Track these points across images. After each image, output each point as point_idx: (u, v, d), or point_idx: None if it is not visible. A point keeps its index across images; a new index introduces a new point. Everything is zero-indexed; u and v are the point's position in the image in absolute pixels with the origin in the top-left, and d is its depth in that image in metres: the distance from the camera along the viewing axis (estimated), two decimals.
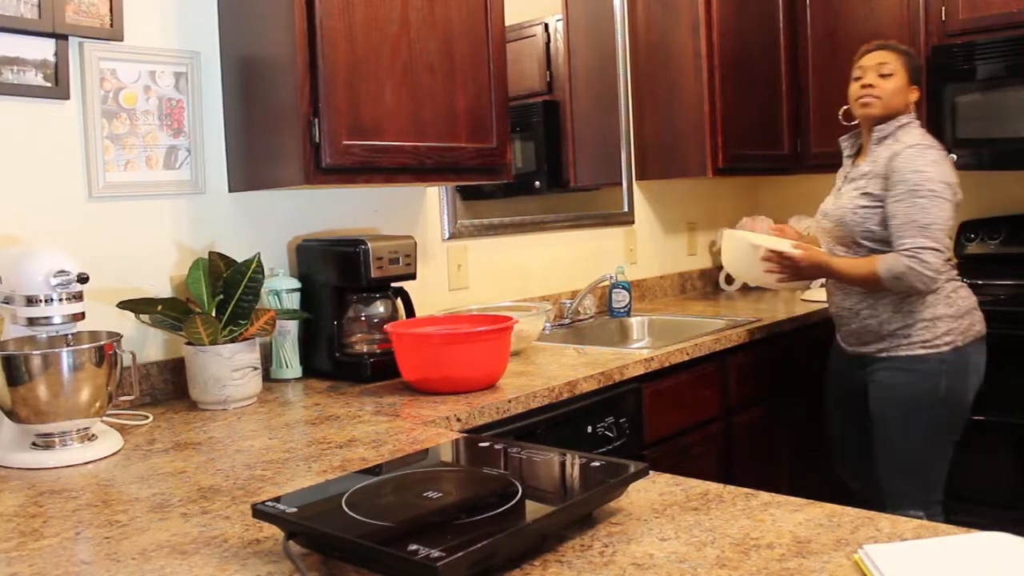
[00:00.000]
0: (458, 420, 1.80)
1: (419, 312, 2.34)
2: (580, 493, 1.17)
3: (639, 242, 3.50)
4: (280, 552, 1.09)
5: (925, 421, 2.32)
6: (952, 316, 2.32)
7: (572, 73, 3.20)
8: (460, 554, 0.92)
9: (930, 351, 2.31)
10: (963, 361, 2.33)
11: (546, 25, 3.14)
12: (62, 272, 1.62)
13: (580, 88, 3.23)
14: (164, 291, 2.11)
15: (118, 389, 1.69)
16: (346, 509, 1.08)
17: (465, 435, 1.62)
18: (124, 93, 2.03)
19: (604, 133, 3.36)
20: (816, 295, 3.18)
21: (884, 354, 2.38)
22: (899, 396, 2.35)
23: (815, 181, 3.62)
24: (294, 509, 1.08)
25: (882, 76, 2.37)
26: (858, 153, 2.50)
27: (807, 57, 3.60)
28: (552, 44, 3.15)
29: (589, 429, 2.15)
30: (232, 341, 1.96)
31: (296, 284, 2.25)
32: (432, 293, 2.68)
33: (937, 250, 2.20)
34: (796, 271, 2.39)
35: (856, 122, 2.50)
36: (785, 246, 2.42)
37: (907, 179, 2.24)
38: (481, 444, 1.39)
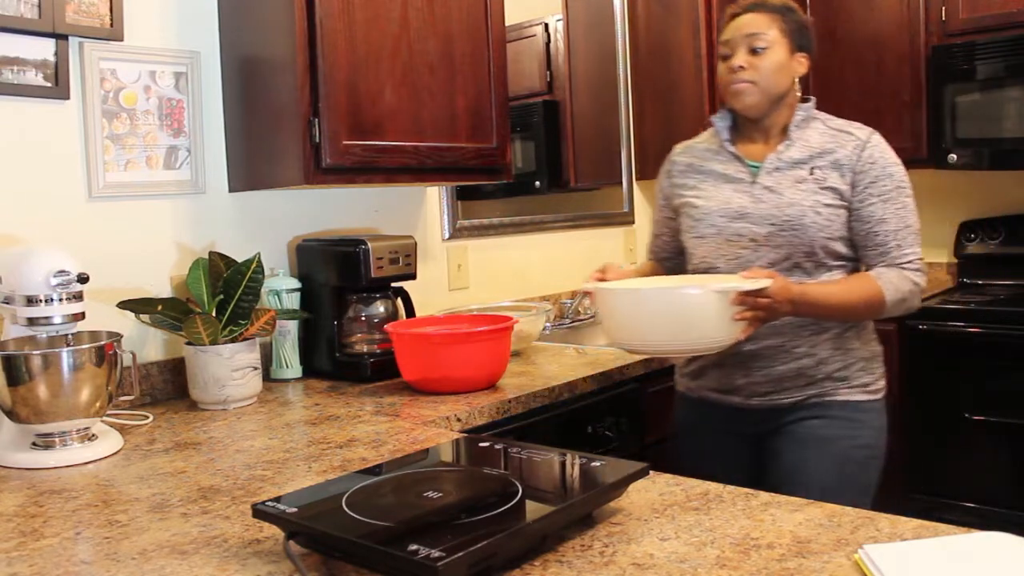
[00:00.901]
0: (458, 420, 1.80)
1: (419, 312, 2.34)
2: (580, 493, 1.17)
3: (639, 242, 3.50)
4: (280, 552, 1.09)
5: (864, 485, 1.80)
6: (881, 355, 1.89)
7: (572, 73, 3.20)
8: (460, 554, 0.92)
9: (871, 397, 1.82)
10: (886, 411, 1.87)
11: (546, 25, 3.14)
12: (62, 272, 1.62)
13: (580, 88, 3.23)
14: (164, 291, 2.11)
15: (118, 389, 1.68)
16: (346, 509, 1.08)
17: (465, 435, 1.62)
18: (124, 93, 2.03)
19: (604, 133, 3.36)
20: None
21: (813, 400, 1.80)
22: (835, 456, 1.77)
23: None
24: (294, 509, 1.08)
25: (754, 52, 1.79)
26: (733, 137, 1.91)
27: None
28: (552, 44, 3.15)
29: (589, 429, 2.15)
30: (232, 341, 1.96)
31: (296, 284, 2.25)
32: (432, 293, 2.68)
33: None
34: (769, 310, 1.63)
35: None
36: (755, 281, 1.63)
37: (892, 173, 1.77)
38: (481, 444, 1.39)
